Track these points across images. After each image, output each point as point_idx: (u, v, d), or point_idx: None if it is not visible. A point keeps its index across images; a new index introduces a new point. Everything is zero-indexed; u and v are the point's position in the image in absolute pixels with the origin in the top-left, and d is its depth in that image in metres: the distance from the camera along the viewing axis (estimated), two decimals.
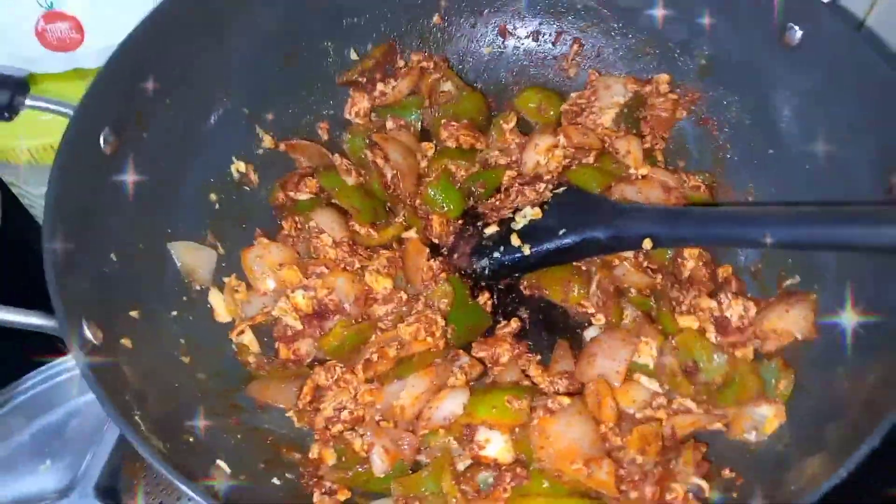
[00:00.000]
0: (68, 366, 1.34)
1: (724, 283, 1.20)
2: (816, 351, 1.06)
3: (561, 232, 1.14)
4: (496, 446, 0.98)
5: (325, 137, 1.37)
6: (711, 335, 1.11)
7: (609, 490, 0.93)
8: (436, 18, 1.40)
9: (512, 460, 0.98)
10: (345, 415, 1.04)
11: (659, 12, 1.33)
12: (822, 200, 1.14)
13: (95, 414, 1.45)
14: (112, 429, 1.33)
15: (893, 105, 1.05)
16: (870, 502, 1.11)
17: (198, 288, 1.17)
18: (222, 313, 1.17)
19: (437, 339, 1.07)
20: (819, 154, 1.17)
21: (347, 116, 1.39)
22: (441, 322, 1.09)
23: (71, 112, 1.02)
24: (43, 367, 1.30)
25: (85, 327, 0.88)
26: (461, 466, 1.01)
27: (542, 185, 1.22)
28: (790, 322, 1.08)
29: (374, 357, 1.06)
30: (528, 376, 1.12)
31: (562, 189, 1.21)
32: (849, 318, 1.04)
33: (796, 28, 1.15)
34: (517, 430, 0.99)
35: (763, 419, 1.01)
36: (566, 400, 0.98)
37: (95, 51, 1.36)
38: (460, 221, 1.27)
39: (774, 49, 1.19)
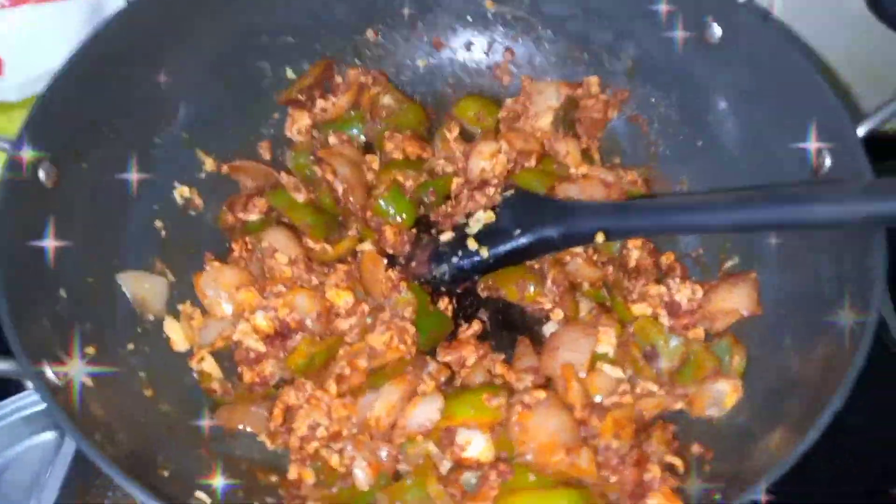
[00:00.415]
0: None
1: (669, 270, 1.25)
2: (763, 326, 1.12)
3: (516, 233, 1.17)
4: (477, 446, 0.99)
5: (268, 157, 1.36)
6: (664, 319, 1.16)
7: (591, 476, 0.95)
8: (370, 34, 1.41)
9: (493, 458, 1.00)
10: (320, 432, 1.03)
11: (583, 19, 1.39)
12: (754, 185, 1.21)
13: (32, 464, 1.40)
14: (54, 479, 1.28)
15: (810, 93, 1.13)
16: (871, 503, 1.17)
17: (151, 318, 1.14)
18: (179, 342, 1.14)
19: (409, 346, 1.08)
20: (746, 143, 1.25)
21: (288, 134, 1.38)
22: (412, 329, 1.09)
23: (4, 145, 0.97)
24: None
25: (47, 368, 0.84)
26: (443, 470, 1.02)
27: (492, 190, 1.25)
28: (735, 300, 1.15)
29: (347, 371, 1.05)
30: (494, 375, 1.14)
31: (510, 192, 1.24)
32: (788, 293, 1.12)
33: (715, 25, 1.23)
34: (496, 427, 1.00)
35: (722, 395, 1.06)
36: (542, 393, 1.01)
37: (16, 84, 1.32)
38: (414, 230, 1.29)
39: (696, 47, 1.27)
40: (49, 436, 1.42)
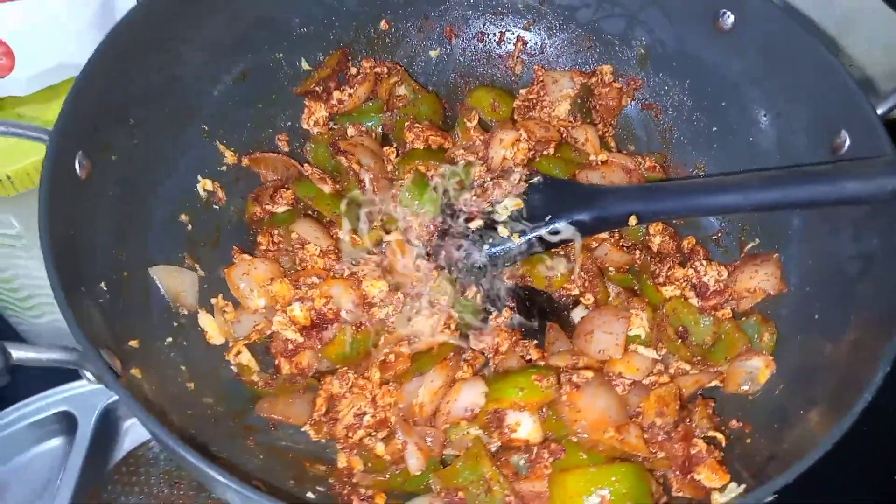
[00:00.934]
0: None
1: (692, 253, 1.28)
2: (790, 304, 1.15)
3: (547, 218, 1.18)
4: (527, 427, 1.00)
5: (286, 149, 1.35)
6: (693, 300, 1.19)
7: (641, 451, 0.97)
8: (383, 24, 1.41)
9: (542, 439, 1.01)
10: (367, 420, 1.03)
11: (594, 8, 1.41)
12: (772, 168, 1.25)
13: (41, 470, 1.37)
14: (66, 486, 1.26)
15: (824, 76, 1.16)
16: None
17: (185, 312, 1.13)
18: (215, 335, 1.13)
19: (453, 331, 1.08)
20: (761, 127, 1.28)
21: (305, 126, 1.38)
22: (455, 315, 1.10)
23: (43, 136, 0.95)
24: None
25: (105, 356, 0.83)
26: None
27: (516, 177, 1.26)
28: (760, 280, 1.18)
29: (391, 357, 1.05)
30: (528, 361, 1.15)
31: (536, 178, 1.25)
32: (812, 272, 1.15)
33: (728, 13, 1.25)
34: (544, 408, 1.01)
35: (755, 370, 1.09)
36: (589, 373, 1.02)
37: (26, 78, 1.28)
38: (439, 220, 1.29)
39: (708, 34, 1.29)
40: (56, 442, 1.40)
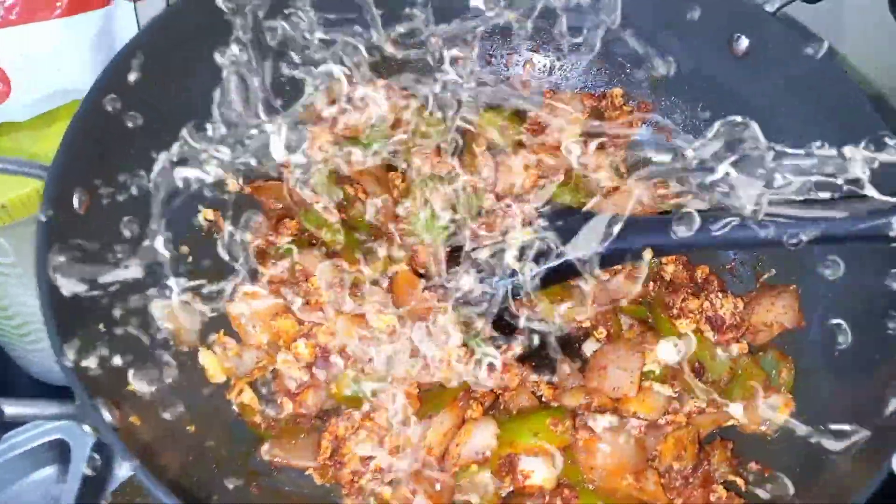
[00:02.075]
0: None
1: (706, 283, 1.25)
2: (809, 340, 1.12)
3: (559, 250, 1.14)
4: (541, 474, 0.97)
5: (289, 176, 1.31)
6: (709, 334, 1.15)
7: (660, 499, 0.94)
8: (388, 46, 1.38)
9: (556, 485, 0.98)
10: (373, 464, 1.00)
11: (605, 29, 1.38)
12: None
13: (33, 501, 1.35)
14: None
15: (843, 104, 1.13)
16: None
17: (186, 350, 1.09)
18: (216, 373, 1.09)
19: (466, 367, 1.05)
20: (778, 157, 1.25)
21: (309, 152, 1.34)
22: (469, 346, 1.07)
23: (41, 172, 0.92)
24: None
25: (103, 409, 0.80)
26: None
27: (528, 206, 1.23)
28: (778, 313, 1.15)
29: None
30: (539, 398, 1.12)
31: (548, 207, 1.22)
32: (832, 306, 1.12)
33: (743, 37, 1.22)
34: (560, 452, 0.98)
35: (774, 410, 1.06)
36: (605, 416, 0.99)
37: (23, 104, 1.26)
38: (447, 249, 1.25)
39: (723, 58, 1.26)
40: (49, 471, 1.37)
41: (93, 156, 1.00)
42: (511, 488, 1.00)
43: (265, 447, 1.05)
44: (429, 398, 1.04)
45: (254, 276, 1.20)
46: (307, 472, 1.04)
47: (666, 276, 1.25)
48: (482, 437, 1.01)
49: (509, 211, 1.24)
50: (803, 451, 1.00)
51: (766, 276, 1.24)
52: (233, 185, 1.25)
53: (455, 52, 1.41)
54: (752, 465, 1.04)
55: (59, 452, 1.31)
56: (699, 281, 1.26)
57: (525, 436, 0.97)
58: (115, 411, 0.83)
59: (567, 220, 1.19)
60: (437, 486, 1.00)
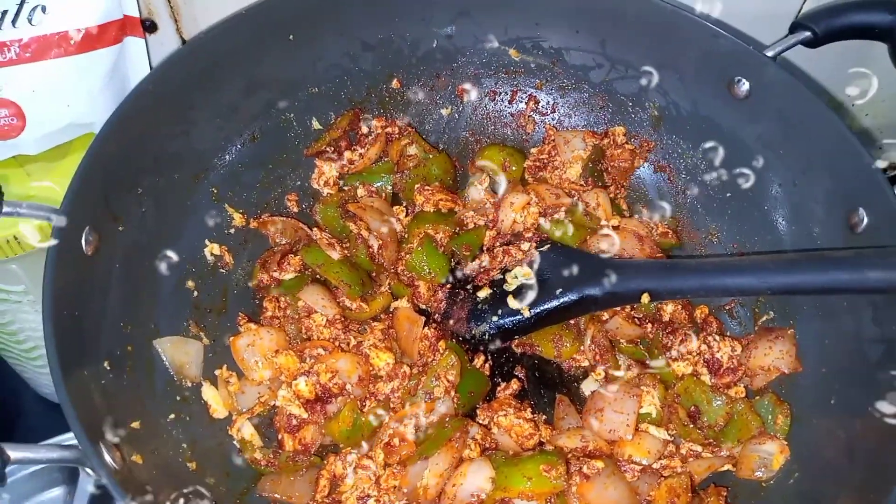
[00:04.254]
0: None
1: (704, 324, 1.26)
2: (806, 385, 1.13)
3: (558, 291, 1.16)
4: None
5: (296, 209, 1.34)
6: (706, 378, 1.16)
7: None
8: (395, 83, 1.40)
9: None
10: (371, 503, 1.01)
11: (607, 69, 1.39)
12: (787, 237, 1.23)
13: None
14: None
15: (841, 149, 1.14)
16: None
17: (189, 385, 1.11)
18: (219, 408, 1.11)
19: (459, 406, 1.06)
20: (777, 195, 1.26)
21: (315, 186, 1.37)
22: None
23: (51, 216, 0.95)
24: None
25: (104, 452, 0.81)
26: None
27: (527, 245, 1.24)
28: (775, 358, 1.15)
29: (396, 441, 1.03)
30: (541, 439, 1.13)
31: (547, 247, 1.23)
32: (829, 352, 1.12)
33: (743, 80, 1.24)
34: (552, 498, 0.99)
35: (769, 456, 1.07)
36: (599, 463, 1.00)
37: (36, 137, 1.28)
38: (448, 286, 1.27)
39: (723, 100, 1.27)
40: (57, 492, 1.39)
41: (102, 196, 1.01)
42: None
43: (263, 483, 1.06)
44: (425, 438, 1.05)
45: (259, 307, 1.23)
46: None
47: (665, 315, 1.26)
48: (477, 479, 1.02)
49: (509, 249, 1.25)
50: (798, 498, 1.01)
51: (764, 318, 1.24)
52: (239, 218, 1.27)
53: (460, 87, 1.44)
54: None
55: (68, 474, 1.34)
56: (698, 321, 1.27)
57: (519, 480, 0.98)
58: (116, 453, 0.85)
59: (567, 260, 1.20)
60: None
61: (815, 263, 1.01)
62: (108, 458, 0.82)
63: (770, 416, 1.11)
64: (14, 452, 0.73)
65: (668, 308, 1.26)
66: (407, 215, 1.34)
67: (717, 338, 1.18)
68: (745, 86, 1.24)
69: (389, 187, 1.37)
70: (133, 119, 1.07)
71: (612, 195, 1.38)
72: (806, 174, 1.21)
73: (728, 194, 1.33)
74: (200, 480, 1.01)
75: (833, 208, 1.16)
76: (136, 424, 0.97)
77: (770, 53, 1.21)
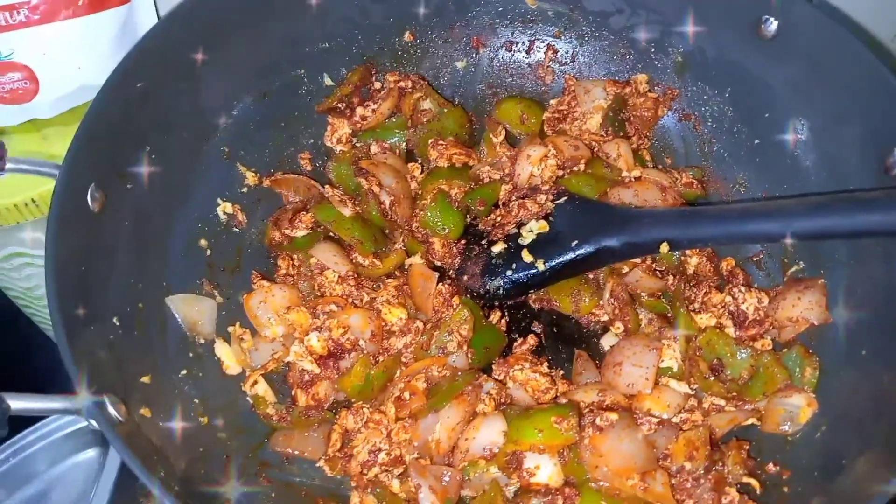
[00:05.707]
0: (37, 436, 1.27)
1: (731, 276, 1.21)
2: (835, 336, 1.07)
3: (573, 243, 1.12)
4: (547, 471, 0.96)
5: (309, 168, 1.33)
6: (730, 330, 1.12)
7: (667, 501, 0.92)
8: (407, 36, 1.37)
9: (562, 482, 0.96)
10: (381, 457, 1.00)
11: (628, 14, 1.34)
12: (818, 184, 1.17)
13: (77, 482, 1.39)
14: (99, 498, 1.27)
15: (877, 89, 1.08)
16: None
17: (202, 342, 1.11)
18: (231, 365, 1.11)
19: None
20: (807, 140, 1.20)
21: (328, 144, 1.35)
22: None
23: (53, 171, 0.94)
24: (10, 441, 1.22)
25: (108, 404, 0.82)
26: (508, 494, 0.99)
27: (543, 197, 1.21)
28: (804, 309, 1.10)
29: (406, 395, 1.02)
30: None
31: (563, 199, 1.19)
32: (861, 302, 1.07)
33: (771, 20, 1.17)
34: (565, 450, 0.97)
35: (796, 409, 1.02)
36: (613, 415, 0.97)
37: (49, 100, 1.29)
38: (462, 241, 1.24)
39: (750, 42, 1.21)
40: (91, 453, 1.41)
41: (108, 153, 1.01)
42: (518, 485, 0.99)
43: (276, 438, 1.06)
44: (436, 391, 1.04)
45: (273, 266, 1.22)
46: (318, 464, 1.05)
47: (689, 268, 1.21)
48: (489, 433, 1.00)
49: (525, 203, 1.22)
50: (823, 453, 0.97)
51: (793, 269, 1.19)
52: (251, 177, 1.26)
53: (476, 38, 1.40)
54: (770, 467, 1.00)
55: (101, 436, 1.36)
56: (724, 273, 1.22)
57: (530, 433, 0.96)
58: (122, 406, 0.85)
59: (584, 211, 1.16)
60: (445, 481, 1.00)
61: (846, 205, 0.96)
62: (111, 410, 0.82)
63: (798, 369, 1.06)
64: (14, 402, 0.74)
65: (693, 261, 1.21)
66: (422, 172, 1.32)
67: (743, 289, 1.13)
68: (773, 25, 1.18)
69: (403, 143, 1.34)
70: (137, 74, 1.05)
71: (634, 146, 1.33)
72: (838, 116, 1.14)
73: (756, 141, 1.27)
74: (212, 435, 1.01)
75: (867, 151, 1.09)
76: (145, 379, 0.97)
77: None
